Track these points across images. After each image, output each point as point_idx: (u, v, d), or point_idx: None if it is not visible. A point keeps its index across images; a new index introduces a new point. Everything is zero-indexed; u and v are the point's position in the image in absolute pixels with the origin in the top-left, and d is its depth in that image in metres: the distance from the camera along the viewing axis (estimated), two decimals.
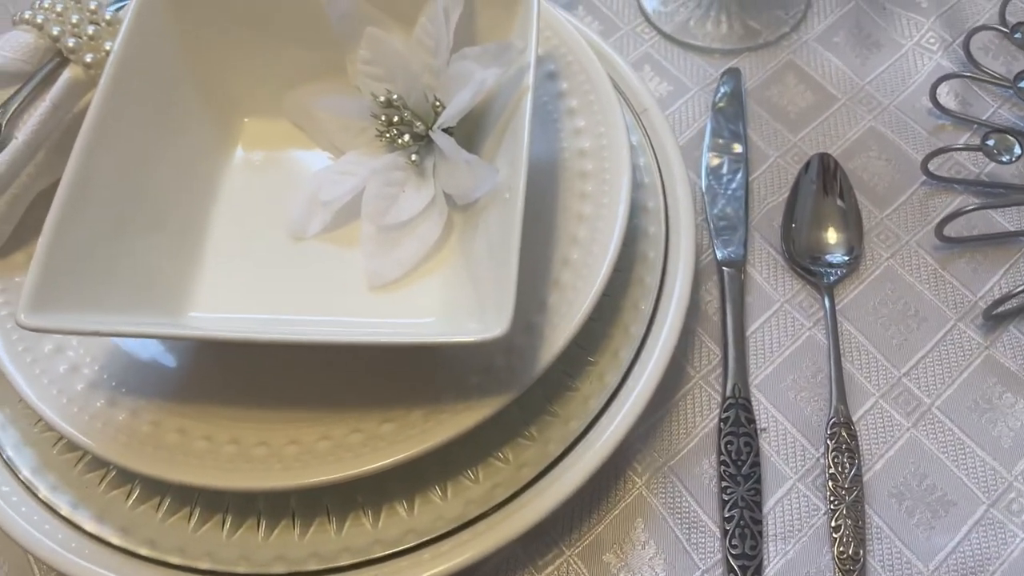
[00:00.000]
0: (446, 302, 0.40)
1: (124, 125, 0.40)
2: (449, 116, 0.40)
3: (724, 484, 0.41)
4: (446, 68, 0.41)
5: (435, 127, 0.41)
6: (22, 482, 0.39)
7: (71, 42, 0.42)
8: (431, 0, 0.42)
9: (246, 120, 0.46)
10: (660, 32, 0.57)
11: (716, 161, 0.51)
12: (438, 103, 0.42)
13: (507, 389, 0.37)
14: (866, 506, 0.41)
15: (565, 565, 0.40)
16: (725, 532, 0.40)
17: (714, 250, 0.48)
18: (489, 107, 0.42)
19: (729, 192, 0.50)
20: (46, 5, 0.44)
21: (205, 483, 0.35)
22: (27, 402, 0.38)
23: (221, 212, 0.43)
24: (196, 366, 0.40)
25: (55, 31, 0.42)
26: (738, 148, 0.52)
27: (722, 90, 0.54)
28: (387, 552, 0.37)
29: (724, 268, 0.47)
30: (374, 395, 0.38)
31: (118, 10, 0.45)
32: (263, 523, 0.39)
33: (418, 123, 0.42)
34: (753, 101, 0.54)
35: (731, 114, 0.53)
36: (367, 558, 0.37)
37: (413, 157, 0.42)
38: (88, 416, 0.37)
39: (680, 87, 0.54)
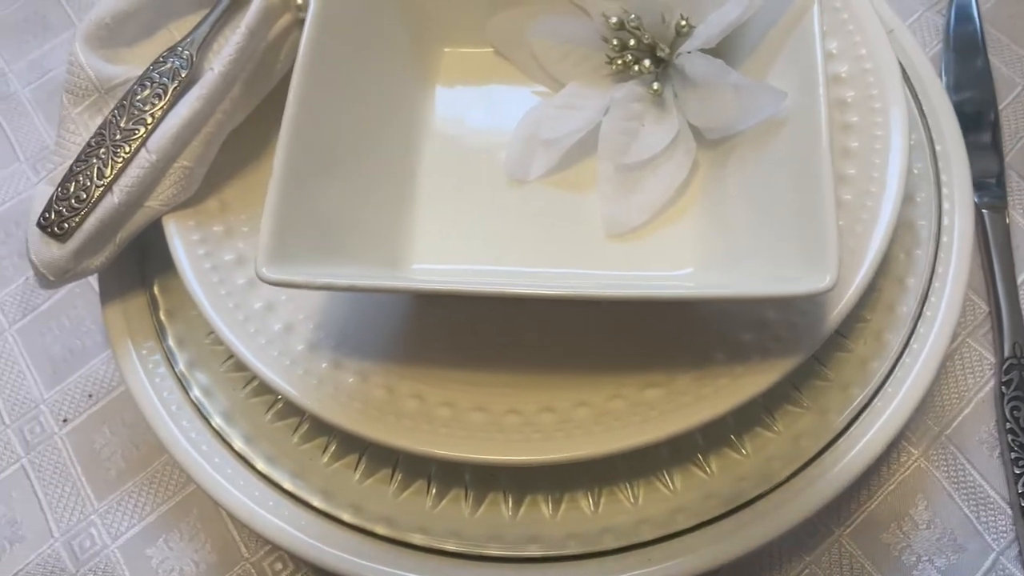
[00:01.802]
0: (703, 250, 0.35)
1: (333, 60, 0.35)
2: (709, 36, 0.35)
3: (1014, 455, 0.37)
4: None
5: (684, 49, 0.36)
6: (236, 453, 0.36)
7: None
8: None
9: (446, 50, 0.41)
10: None
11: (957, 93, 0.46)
12: (684, 23, 0.36)
13: (791, 349, 0.32)
14: None
15: (836, 546, 0.36)
16: (1022, 509, 0.36)
17: None
18: (742, 27, 0.37)
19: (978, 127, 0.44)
20: None
21: (469, 456, 0.31)
22: (249, 366, 0.34)
23: (430, 154, 0.39)
24: (422, 325, 0.36)
25: None
26: (978, 77, 0.46)
27: (954, 11, 0.48)
28: (657, 536, 0.33)
29: (984, 211, 0.42)
30: (628, 356, 0.34)
31: None
32: (509, 499, 0.35)
33: (662, 46, 0.37)
34: (989, 24, 0.48)
35: (966, 38, 0.47)
36: (633, 542, 0.33)
37: (655, 86, 0.37)
38: (316, 380, 0.33)
39: (905, 7, 0.48)
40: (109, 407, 0.41)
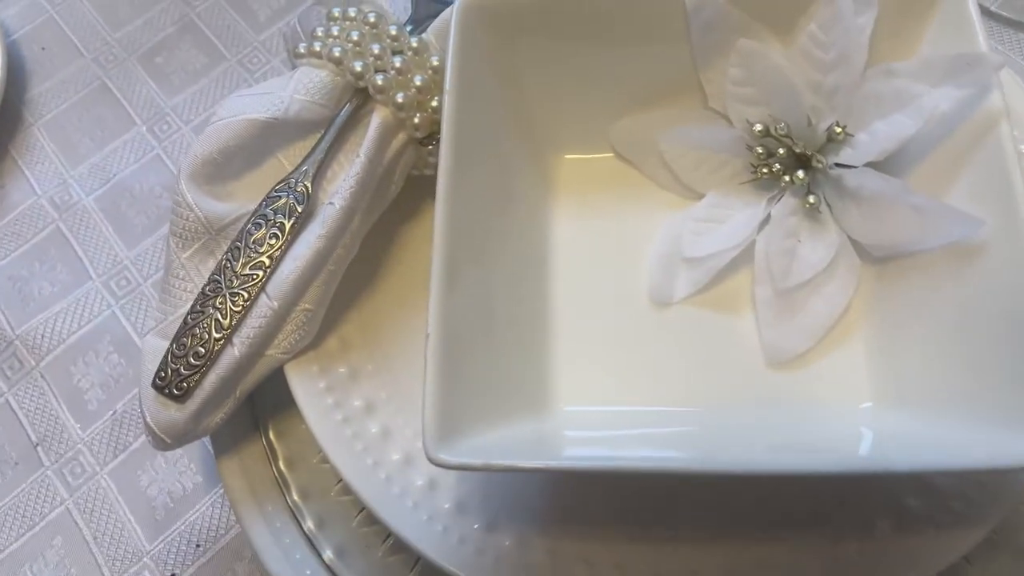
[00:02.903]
0: (877, 382, 0.32)
1: (467, 188, 0.32)
2: (880, 151, 0.32)
3: None
4: (856, 86, 0.33)
5: (847, 161, 0.33)
6: None
7: (379, 79, 0.35)
8: (822, 3, 0.34)
9: (567, 157, 0.38)
10: None
11: None
12: (839, 130, 0.34)
13: (969, 522, 0.30)
14: None
15: None
16: None
17: None
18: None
19: None
20: (334, 33, 0.36)
21: None
22: (395, 531, 0.31)
23: (563, 277, 0.36)
24: (582, 482, 0.33)
25: (357, 66, 0.35)
26: None
27: None
28: None
29: None
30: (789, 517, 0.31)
31: (413, 31, 0.37)
32: None
33: (818, 156, 0.34)
34: None
35: None
36: None
37: (811, 199, 0.34)
38: (473, 548, 0.31)
39: None
40: (220, 557, 0.38)
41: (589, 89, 0.37)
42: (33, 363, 0.43)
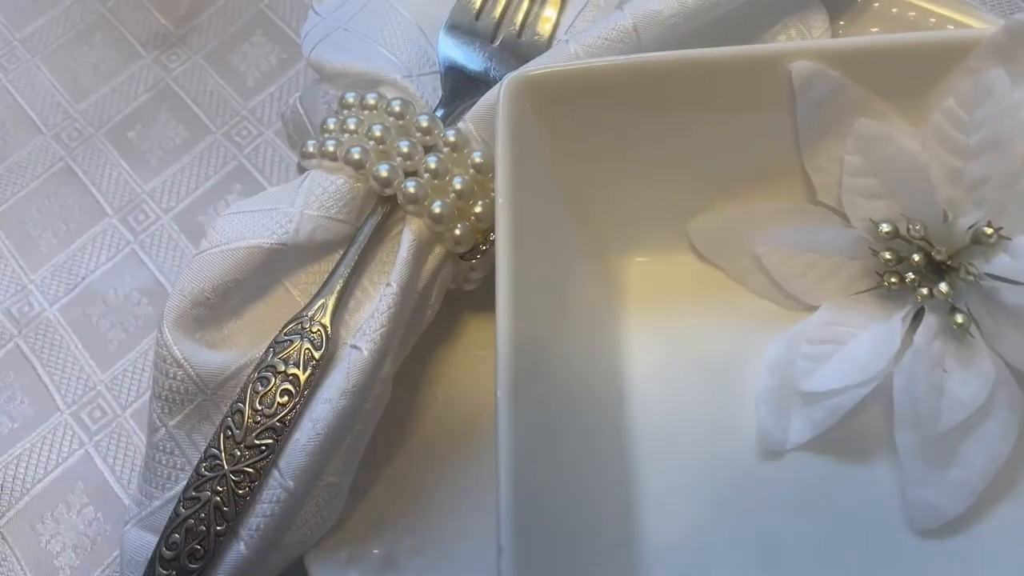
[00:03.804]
0: None
1: (528, 313, 0.26)
2: None
3: None
4: (1015, 178, 0.26)
5: (993, 269, 0.27)
6: None
7: (410, 186, 0.27)
8: (962, 73, 0.27)
9: (637, 260, 0.32)
10: None
11: None
12: (990, 231, 0.27)
13: None
14: None
15: None
16: None
17: None
18: None
19: None
20: (351, 126, 0.29)
21: None
22: None
23: (642, 415, 0.29)
24: None
25: (382, 171, 0.28)
26: None
27: None
28: None
29: None
30: None
31: (446, 119, 0.30)
32: None
33: (970, 266, 0.27)
34: None
35: None
36: None
37: (959, 318, 0.27)
38: None
39: None
40: None
41: (663, 178, 0.30)
42: None
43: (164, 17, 0.46)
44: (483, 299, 0.33)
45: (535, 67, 0.28)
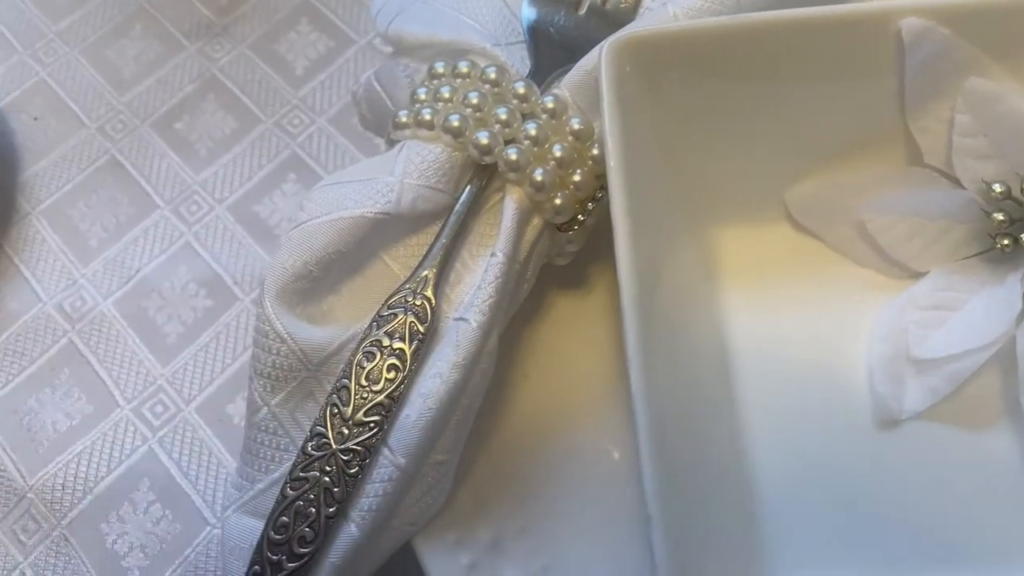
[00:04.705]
0: None
1: (649, 290, 0.25)
2: None
3: None
4: None
5: None
6: None
7: (512, 153, 0.27)
8: None
9: (731, 229, 0.31)
10: None
11: None
12: None
13: None
14: None
15: None
16: None
17: None
18: None
19: None
20: (445, 95, 0.28)
21: None
22: None
23: (746, 385, 0.28)
24: None
25: (482, 138, 0.27)
26: None
27: None
28: None
29: None
30: None
31: (541, 87, 0.29)
32: None
33: None
34: None
35: None
36: None
37: None
38: None
39: None
40: None
41: (760, 146, 0.29)
42: (54, 522, 0.34)
43: (206, 7, 0.45)
44: (567, 273, 0.32)
45: (637, 29, 0.27)
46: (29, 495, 0.34)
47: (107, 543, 0.33)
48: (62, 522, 0.34)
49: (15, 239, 0.40)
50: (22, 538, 0.34)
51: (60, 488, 0.34)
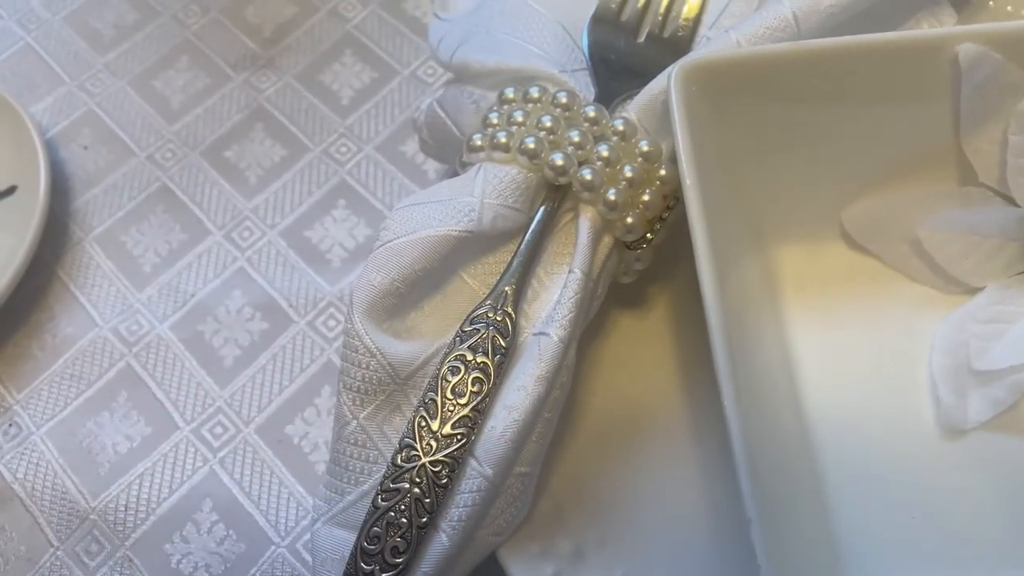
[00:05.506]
0: None
1: (728, 306, 0.25)
2: None
3: None
4: None
5: None
6: None
7: (586, 173, 0.28)
8: None
9: (790, 248, 0.32)
10: None
11: None
12: None
13: None
14: None
15: None
16: None
17: None
18: None
19: None
20: (518, 118, 0.29)
21: None
22: None
23: (813, 400, 0.29)
24: None
25: (557, 159, 0.28)
26: None
27: None
28: None
29: None
30: None
31: (603, 108, 0.30)
32: None
33: None
34: None
35: None
36: None
37: None
38: None
39: None
40: None
41: (819, 165, 0.30)
42: (117, 543, 0.34)
43: (251, 40, 0.46)
44: (629, 292, 0.33)
45: (704, 54, 0.28)
46: (92, 516, 0.35)
47: (172, 563, 0.34)
48: (126, 543, 0.34)
49: (69, 265, 0.40)
50: (85, 560, 0.34)
51: (123, 509, 0.35)
